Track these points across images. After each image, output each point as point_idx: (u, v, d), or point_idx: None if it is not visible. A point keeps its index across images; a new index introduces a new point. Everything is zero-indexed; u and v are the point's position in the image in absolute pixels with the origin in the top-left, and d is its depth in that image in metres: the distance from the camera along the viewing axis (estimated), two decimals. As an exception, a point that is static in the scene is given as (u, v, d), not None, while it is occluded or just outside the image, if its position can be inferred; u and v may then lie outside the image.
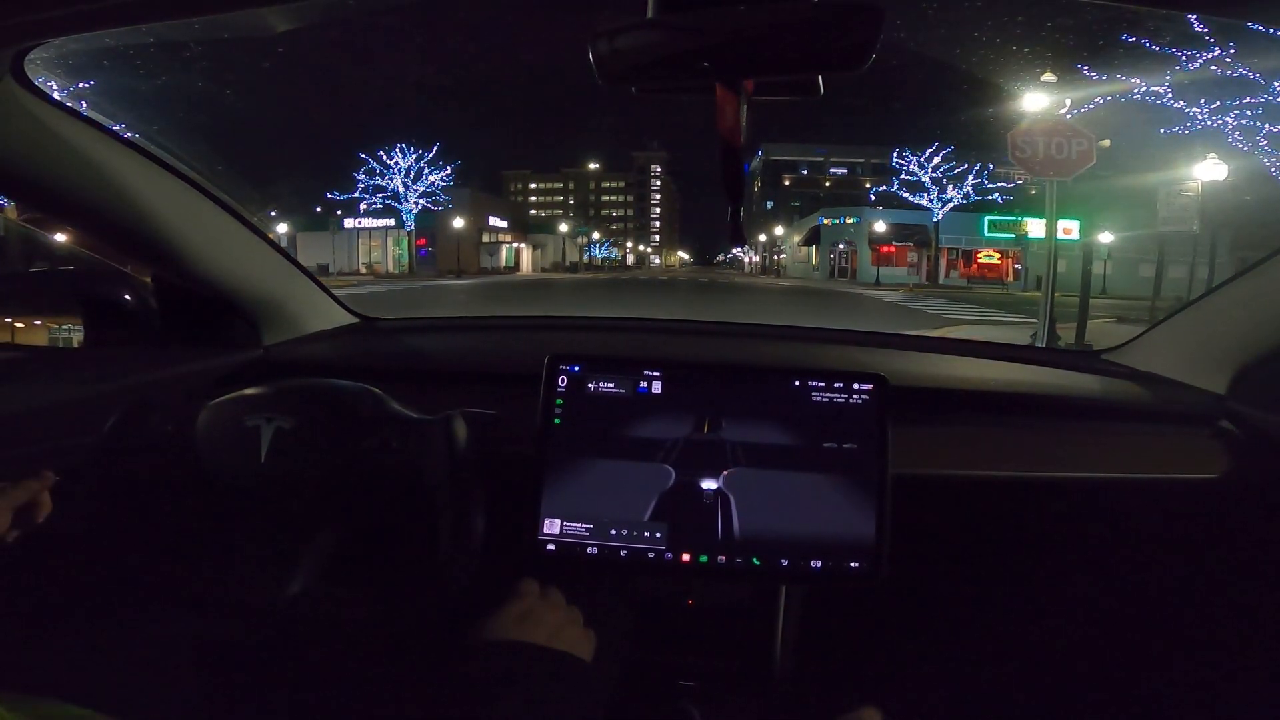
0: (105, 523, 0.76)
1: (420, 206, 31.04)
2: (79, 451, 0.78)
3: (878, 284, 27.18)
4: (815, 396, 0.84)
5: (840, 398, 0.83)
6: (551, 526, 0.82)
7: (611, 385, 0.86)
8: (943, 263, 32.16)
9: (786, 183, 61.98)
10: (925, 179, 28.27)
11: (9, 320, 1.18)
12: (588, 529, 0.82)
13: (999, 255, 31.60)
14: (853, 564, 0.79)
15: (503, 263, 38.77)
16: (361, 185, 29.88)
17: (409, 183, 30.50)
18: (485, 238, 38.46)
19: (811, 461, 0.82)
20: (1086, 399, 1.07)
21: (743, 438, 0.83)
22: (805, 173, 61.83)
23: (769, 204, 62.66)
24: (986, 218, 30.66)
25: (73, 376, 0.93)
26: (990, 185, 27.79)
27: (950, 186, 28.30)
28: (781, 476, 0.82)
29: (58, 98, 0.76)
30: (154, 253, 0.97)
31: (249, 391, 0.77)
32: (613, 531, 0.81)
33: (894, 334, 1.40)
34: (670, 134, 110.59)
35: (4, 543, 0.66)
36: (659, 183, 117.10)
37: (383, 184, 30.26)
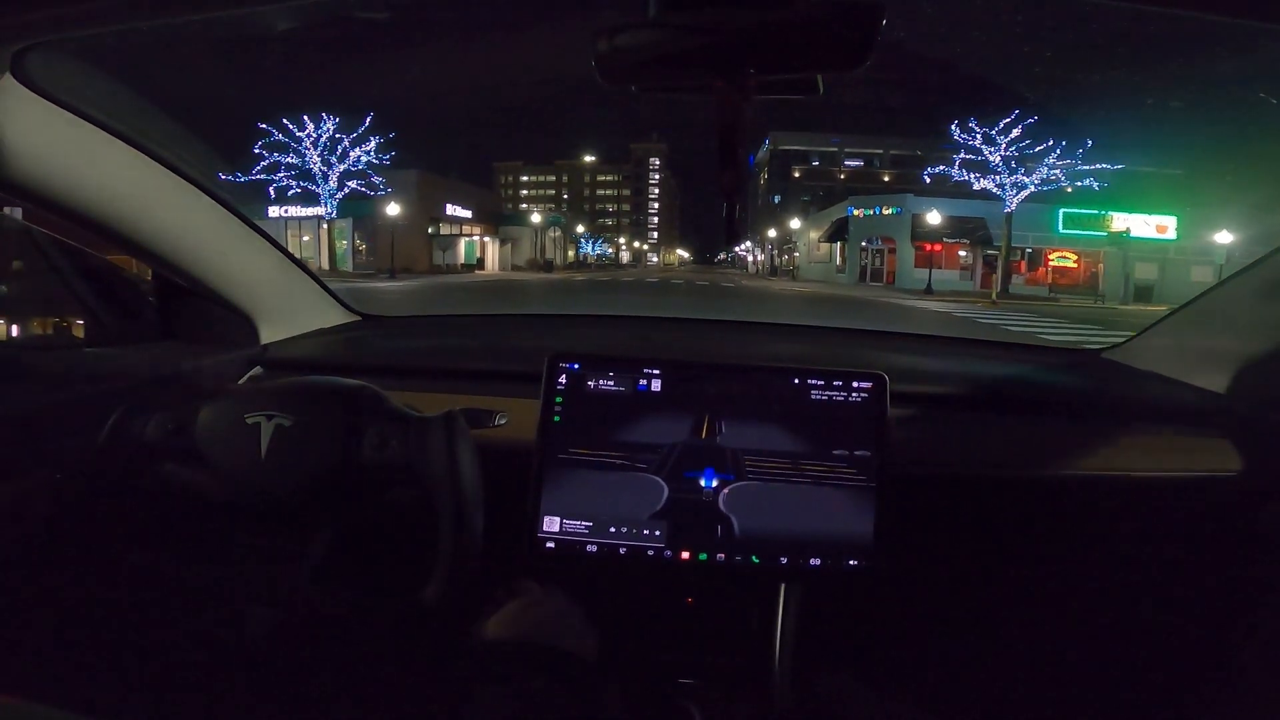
0: (105, 522, 0.76)
1: (347, 190, 24.37)
2: (79, 450, 0.78)
3: (930, 292, 20.77)
4: (815, 395, 0.83)
5: (840, 396, 0.83)
6: (551, 524, 0.82)
7: (611, 383, 0.85)
8: (1001, 266, 25.87)
9: (796, 175, 55.87)
10: (996, 158, 21.49)
11: (9, 319, 1.18)
12: (587, 526, 0.82)
13: (1075, 257, 25.27)
14: (852, 562, 0.79)
15: (460, 259, 32.21)
16: (265, 163, 23.00)
17: (330, 159, 23.82)
18: (445, 229, 32.05)
19: (811, 460, 0.81)
20: (1087, 398, 1.05)
21: (742, 436, 0.83)
22: (817, 164, 55.72)
23: (776, 198, 56.61)
24: (1062, 210, 24.26)
25: (73, 375, 0.93)
26: (1086, 168, 20.89)
27: (1023, 169, 21.50)
28: (781, 475, 0.81)
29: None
30: (154, 250, 0.97)
31: (249, 389, 0.78)
32: (612, 529, 0.81)
33: (894, 332, 1.36)
34: (671, 125, 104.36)
35: (3, 542, 0.69)
36: (658, 176, 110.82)
37: (295, 161, 23.50)
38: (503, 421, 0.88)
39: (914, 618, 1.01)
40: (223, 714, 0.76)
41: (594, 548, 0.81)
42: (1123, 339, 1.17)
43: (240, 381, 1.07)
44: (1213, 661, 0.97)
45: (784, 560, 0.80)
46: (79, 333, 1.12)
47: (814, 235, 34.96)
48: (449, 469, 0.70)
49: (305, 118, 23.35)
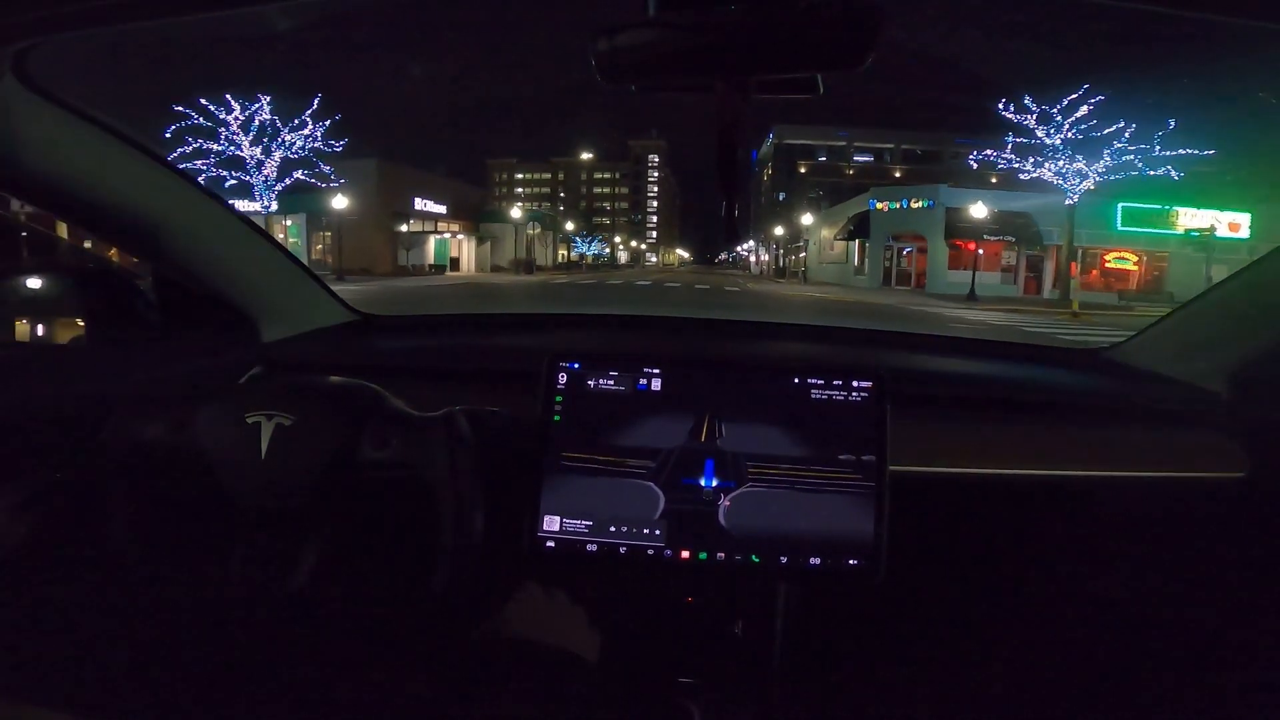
0: (103, 521, 0.76)
1: (289, 180, 20.85)
2: (78, 451, 0.79)
3: (973, 298, 17.39)
4: (815, 394, 0.83)
5: (840, 395, 0.83)
6: (551, 523, 0.82)
7: (611, 382, 0.85)
8: (1050, 267, 22.45)
9: (802, 170, 52.66)
10: (1056, 141, 17.92)
11: (9, 318, 1.16)
12: (587, 526, 0.81)
13: (1136, 258, 21.90)
14: (851, 562, 0.79)
15: (429, 259, 28.71)
16: (187, 148, 19.21)
17: (268, 144, 20.28)
18: (416, 225, 28.63)
19: (810, 459, 0.81)
20: (1087, 397, 1.04)
21: (742, 435, 0.82)
22: (824, 159, 52.55)
23: (781, 195, 53.44)
24: (1120, 205, 20.87)
25: (73, 375, 0.93)
26: (1168, 154, 17.17)
27: (1081, 157, 17.89)
28: (780, 474, 0.81)
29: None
30: (154, 250, 0.98)
31: (249, 389, 0.77)
32: (612, 529, 0.81)
33: (895, 332, 1.33)
34: (670, 121, 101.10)
35: (3, 542, 0.70)
36: (657, 174, 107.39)
37: (221, 147, 19.82)
38: (503, 421, 0.84)
39: (913, 618, 1.00)
40: (221, 714, 0.73)
41: (594, 547, 0.81)
42: (1123, 339, 1.14)
43: (240, 381, 1.05)
44: (1216, 664, 0.95)
45: (784, 560, 0.80)
46: (79, 333, 1.09)
47: (826, 233, 31.51)
48: (449, 469, 0.71)
49: (228, 97, 19.71)
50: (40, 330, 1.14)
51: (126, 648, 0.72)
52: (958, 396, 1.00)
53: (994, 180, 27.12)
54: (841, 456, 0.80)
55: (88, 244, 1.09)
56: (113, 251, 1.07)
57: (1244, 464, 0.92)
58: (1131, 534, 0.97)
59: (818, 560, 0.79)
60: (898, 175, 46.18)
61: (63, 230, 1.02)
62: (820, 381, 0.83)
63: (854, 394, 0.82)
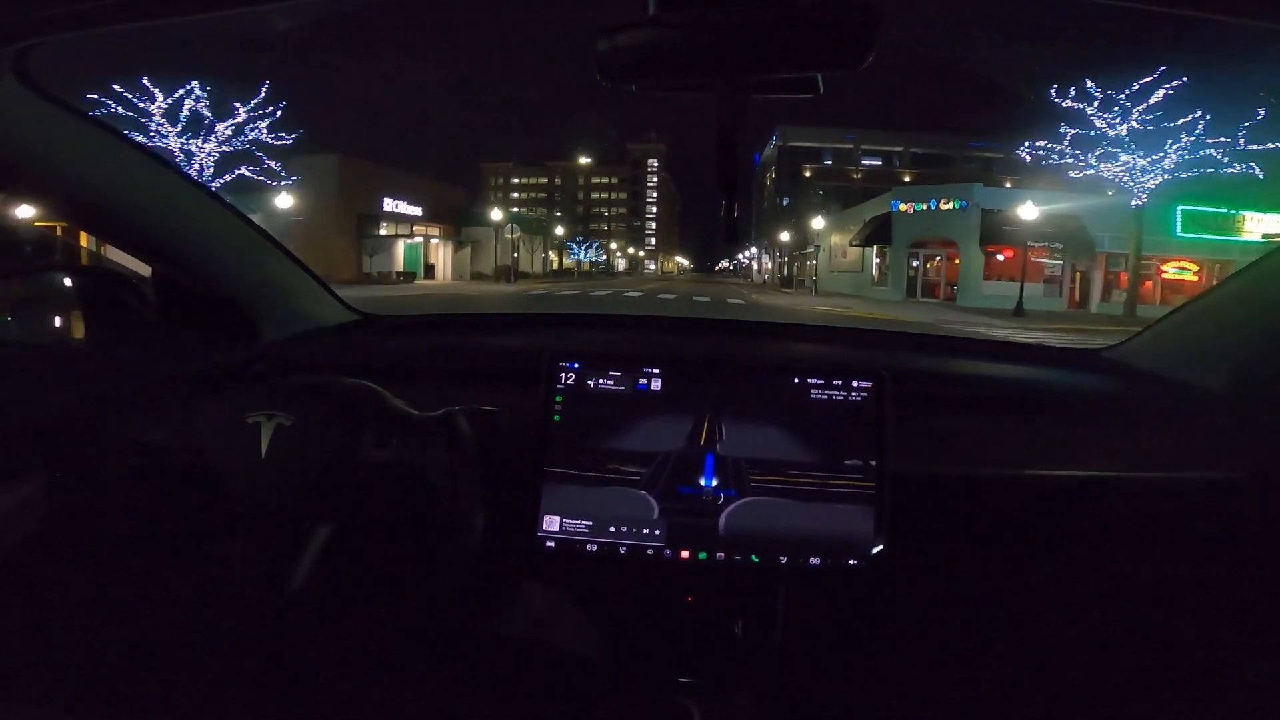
0: (104, 521, 0.77)
1: (233, 176, 18.19)
2: (78, 450, 0.79)
3: (1020, 314, 14.76)
4: (815, 394, 0.83)
5: (840, 395, 0.83)
6: (551, 523, 0.82)
7: (611, 383, 0.85)
8: (1098, 277, 19.80)
9: (807, 174, 50.08)
10: (1121, 132, 15.25)
11: (8, 318, 1.17)
12: (587, 526, 0.82)
13: (1196, 268, 19.25)
14: (851, 561, 0.80)
15: (398, 266, 25.98)
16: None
17: (203, 135, 17.62)
18: (389, 228, 25.97)
19: (811, 461, 0.81)
20: (1088, 397, 1.04)
21: (742, 437, 0.83)
22: (829, 162, 49.98)
23: (785, 199, 50.83)
24: (1180, 208, 18.22)
25: (72, 374, 0.94)
26: (1253, 147, 14.35)
27: (1143, 151, 15.21)
28: (781, 474, 0.81)
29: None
30: (153, 249, 0.98)
31: (249, 388, 0.79)
32: (612, 529, 0.82)
33: (895, 332, 1.33)
34: (670, 124, 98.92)
35: (3, 542, 0.71)
36: (656, 179, 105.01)
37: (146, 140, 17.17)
38: (502, 421, 0.85)
39: (914, 618, 1.01)
40: (222, 714, 0.74)
41: (594, 547, 0.81)
42: (1120, 339, 1.13)
43: (240, 381, 1.03)
44: (1217, 663, 0.95)
45: (784, 560, 0.80)
46: (79, 332, 1.10)
47: (838, 239, 28.89)
48: (449, 469, 0.71)
49: (145, 82, 17.06)
50: (40, 330, 1.13)
51: (125, 647, 0.71)
52: (958, 397, 1.00)
53: (1008, 184, 24.58)
54: (841, 457, 0.80)
55: (87, 244, 1.06)
56: (111, 250, 1.04)
57: (1244, 464, 0.93)
58: (1132, 534, 0.96)
59: (818, 560, 0.79)
60: (906, 179, 43.60)
61: (62, 230, 0.98)
62: (820, 381, 0.83)
63: (854, 394, 0.83)
